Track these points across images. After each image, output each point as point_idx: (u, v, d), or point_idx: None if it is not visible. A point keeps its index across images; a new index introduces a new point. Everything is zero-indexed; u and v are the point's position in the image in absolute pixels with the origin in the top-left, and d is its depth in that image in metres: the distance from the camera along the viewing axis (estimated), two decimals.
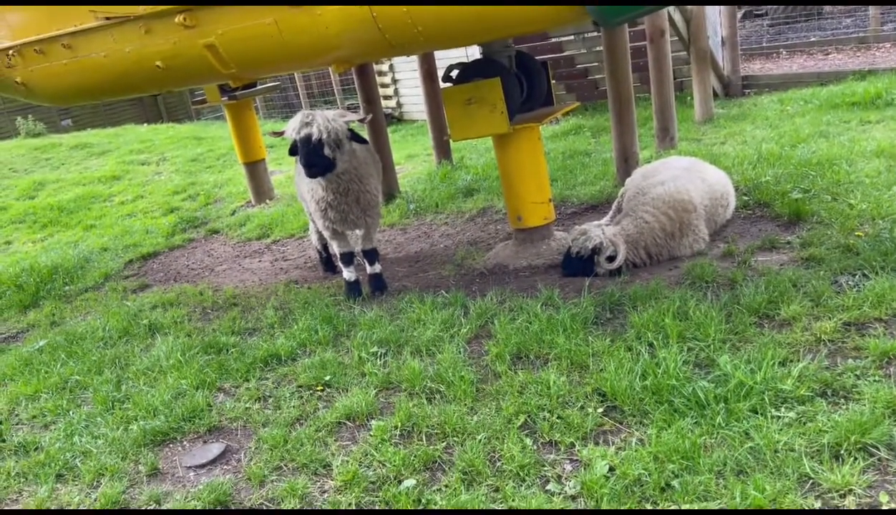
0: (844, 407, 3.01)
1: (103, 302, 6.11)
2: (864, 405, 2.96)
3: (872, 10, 11.84)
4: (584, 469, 2.95)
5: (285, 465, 3.29)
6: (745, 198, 5.63)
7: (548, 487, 2.90)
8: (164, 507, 3.14)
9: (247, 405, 3.87)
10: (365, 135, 7.52)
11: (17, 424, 4.15)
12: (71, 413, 4.08)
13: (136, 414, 3.88)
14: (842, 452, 2.75)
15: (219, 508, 3.09)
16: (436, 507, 2.87)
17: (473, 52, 9.32)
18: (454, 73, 5.17)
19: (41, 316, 6.04)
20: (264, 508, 3.06)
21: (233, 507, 3.09)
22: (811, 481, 2.67)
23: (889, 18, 11.80)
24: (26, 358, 4.98)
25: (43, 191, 10.88)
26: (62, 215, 9.66)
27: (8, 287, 6.80)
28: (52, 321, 5.90)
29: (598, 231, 4.78)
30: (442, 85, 5.47)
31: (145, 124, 16.71)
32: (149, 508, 3.16)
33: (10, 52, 5.65)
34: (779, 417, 3.01)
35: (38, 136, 15.45)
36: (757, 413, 3.05)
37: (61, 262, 7.37)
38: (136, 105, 21.28)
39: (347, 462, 3.21)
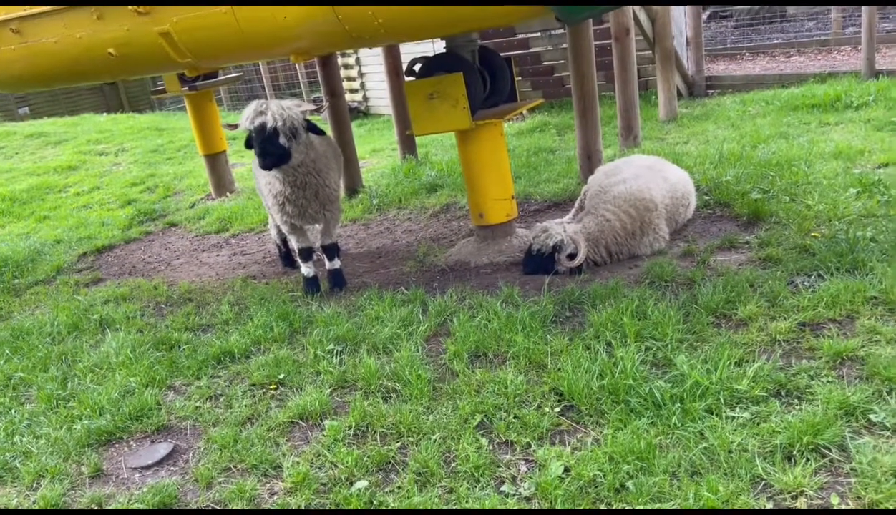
0: (798, 407, 3.02)
1: (53, 296, 5.92)
2: (817, 406, 2.97)
3: (834, 14, 12.04)
4: (540, 470, 2.92)
5: (234, 466, 3.20)
6: (706, 197, 5.66)
7: (502, 488, 2.86)
8: (105, 508, 3.02)
9: (197, 403, 3.76)
10: (328, 128, 7.41)
11: None
12: (13, 411, 3.92)
13: (81, 413, 3.75)
14: (794, 453, 2.75)
15: (163, 508, 2.99)
16: (387, 509, 2.81)
17: (440, 47, 9.25)
18: (417, 67, 5.10)
19: None
20: (210, 509, 2.97)
21: (178, 509, 2.98)
22: (763, 482, 2.67)
23: (850, 22, 12.02)
24: None
25: None
26: (14, 206, 9.35)
27: None
28: None
29: (560, 228, 4.76)
30: (405, 79, 5.40)
31: (105, 113, 16.31)
32: (91, 509, 3.05)
33: None
34: (733, 417, 3.01)
35: None
36: (712, 413, 3.05)
37: (11, 254, 7.13)
38: (96, 93, 20.77)
39: (298, 462, 3.13)
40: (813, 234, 4.61)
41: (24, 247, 7.42)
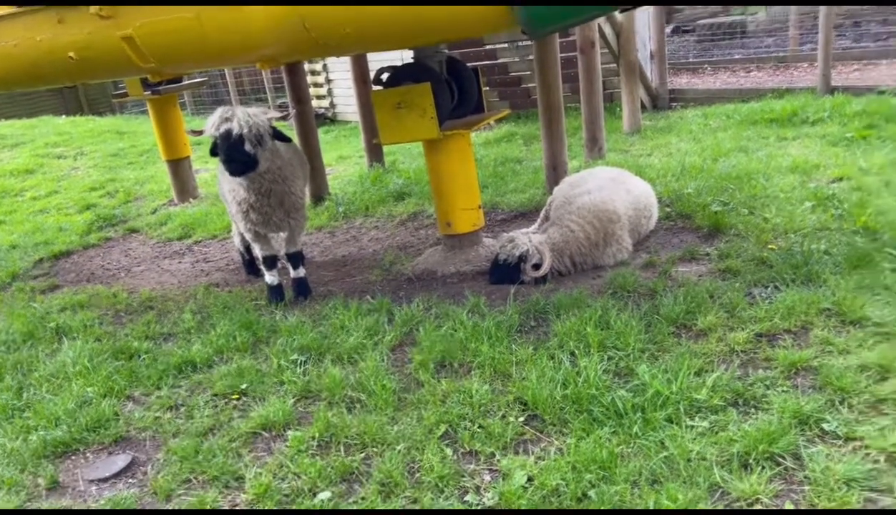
0: (754, 416, 3.09)
1: (8, 304, 5.76)
2: (773, 415, 3.04)
3: (792, 31, 12.36)
4: (503, 479, 2.93)
5: (195, 478, 3.15)
6: (668, 209, 5.76)
7: (466, 498, 2.87)
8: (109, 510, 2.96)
9: (157, 414, 3.70)
10: (294, 135, 7.37)
11: None
12: None
13: (37, 424, 3.66)
14: (750, 461, 2.81)
15: None
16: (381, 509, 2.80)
17: (409, 57, 9.26)
18: (384, 76, 5.11)
19: None
20: None
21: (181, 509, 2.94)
22: (721, 490, 2.72)
23: (807, 39, 12.35)
24: None
25: None
26: None
27: None
28: None
29: (525, 238, 4.80)
30: (373, 88, 5.40)
31: (63, 116, 15.97)
32: None
33: None
34: (693, 426, 3.06)
35: None
36: (672, 422, 3.10)
37: None
38: (55, 95, 20.31)
39: (261, 474, 3.10)
40: (770, 247, 4.72)
41: None
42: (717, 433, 3.00)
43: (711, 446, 2.92)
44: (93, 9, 4.44)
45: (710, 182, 6.17)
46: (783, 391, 3.21)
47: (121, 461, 3.34)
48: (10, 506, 3.02)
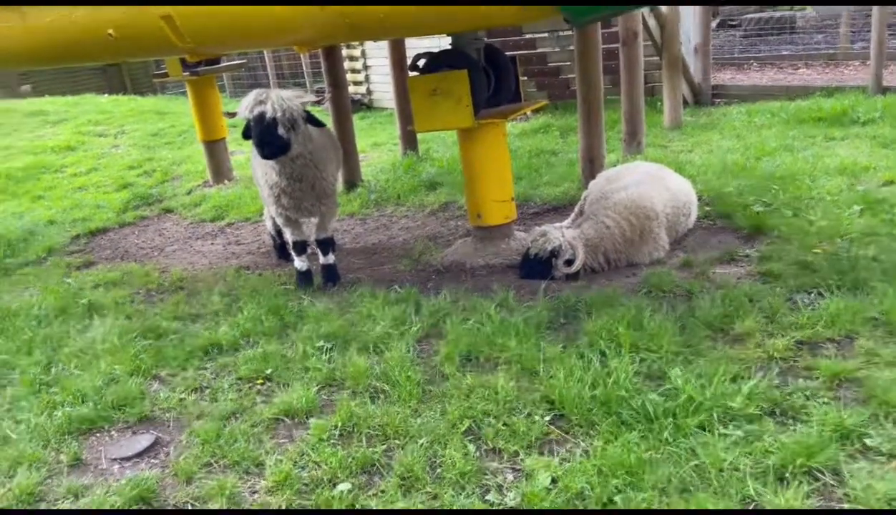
0: (792, 428, 2.96)
1: (43, 278, 5.84)
2: (812, 427, 2.91)
3: (843, 28, 11.97)
4: (527, 479, 2.86)
5: (216, 462, 3.13)
6: (707, 208, 5.60)
7: (488, 497, 2.80)
8: (81, 501, 2.95)
9: (182, 395, 3.69)
10: (329, 120, 7.34)
11: None
12: None
13: (64, 400, 3.68)
14: (787, 475, 2.69)
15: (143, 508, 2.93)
16: (373, 509, 2.75)
17: (446, 43, 9.17)
18: (421, 62, 5.03)
19: None
20: (189, 508, 2.90)
21: (155, 505, 2.92)
22: (754, 503, 2.61)
23: (859, 37, 11.95)
24: None
25: None
26: (10, 184, 9.26)
27: None
28: None
29: (558, 233, 4.69)
30: (410, 74, 5.33)
31: (106, 94, 16.19)
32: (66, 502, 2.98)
33: None
34: (726, 435, 2.95)
35: None
36: (704, 429, 2.99)
37: (4, 233, 7.07)
38: (98, 74, 20.63)
39: (281, 461, 3.07)
40: (814, 250, 4.54)
41: (17, 226, 7.35)
42: (751, 443, 2.88)
43: (745, 456, 2.81)
44: None
45: (753, 181, 5.98)
46: (824, 402, 3.08)
47: (144, 440, 3.34)
48: (31, 482, 3.03)
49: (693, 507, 2.57)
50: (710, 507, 2.56)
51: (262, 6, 4.18)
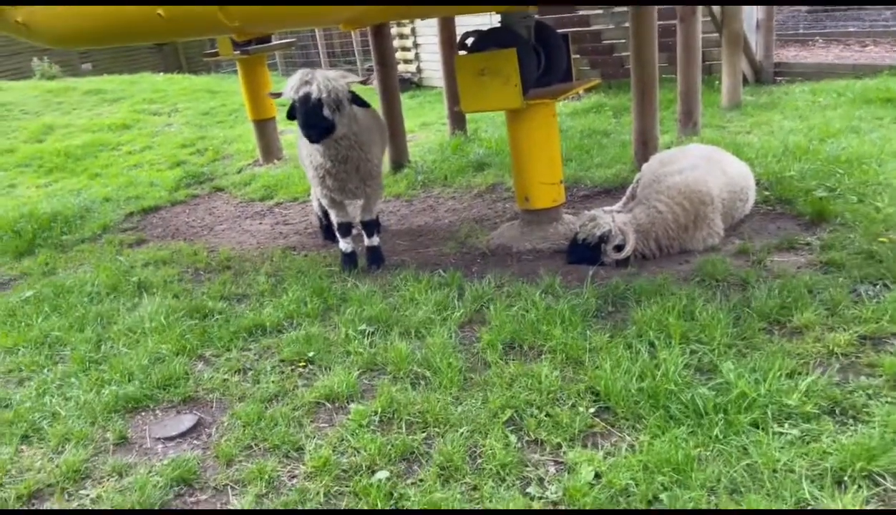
0: (852, 428, 2.80)
1: (97, 255, 5.97)
2: (874, 428, 2.75)
3: None
4: (569, 473, 2.78)
5: (257, 445, 3.14)
6: (766, 192, 5.36)
7: (528, 490, 2.74)
8: (125, 479, 2.99)
9: (225, 376, 3.71)
10: (376, 99, 7.28)
11: None
12: (46, 370, 3.95)
13: (112, 378, 3.74)
14: (845, 478, 2.55)
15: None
16: (408, 503, 2.71)
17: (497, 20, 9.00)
18: (469, 41, 4.92)
19: (35, 264, 5.92)
20: (229, 488, 2.91)
21: (196, 486, 2.94)
22: (809, 507, 2.48)
23: None
24: (11, 308, 4.86)
25: (51, 136, 10.73)
26: (69, 161, 9.52)
27: (6, 232, 6.68)
28: (45, 270, 5.78)
29: (608, 218, 4.55)
30: (458, 53, 5.22)
31: (161, 73, 16.49)
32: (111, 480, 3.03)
33: None
34: (781, 434, 2.81)
35: (52, 79, 15.27)
36: (758, 427, 2.85)
37: (62, 210, 7.26)
38: (155, 53, 21.04)
39: (321, 446, 3.05)
40: (881, 239, 4.30)
41: (74, 203, 7.54)
42: (808, 443, 2.74)
43: (801, 457, 2.67)
44: None
45: (816, 165, 5.71)
46: (888, 402, 2.91)
47: (187, 421, 3.37)
48: (77, 459, 3.09)
49: (744, 508, 2.45)
50: (763, 508, 2.44)
51: None
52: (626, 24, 8.98)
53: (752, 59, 9.84)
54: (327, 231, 5.78)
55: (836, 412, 2.92)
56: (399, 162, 7.63)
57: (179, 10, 4.76)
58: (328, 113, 4.21)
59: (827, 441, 2.73)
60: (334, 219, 5.00)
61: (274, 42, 8.87)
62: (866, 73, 9.23)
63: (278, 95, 4.41)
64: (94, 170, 9.08)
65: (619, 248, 4.50)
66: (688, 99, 7.22)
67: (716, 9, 8.45)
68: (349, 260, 4.99)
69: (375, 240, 5.02)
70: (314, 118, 4.20)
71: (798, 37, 12.26)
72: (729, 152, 5.31)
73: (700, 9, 7.07)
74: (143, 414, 3.50)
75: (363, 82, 4.53)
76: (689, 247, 4.64)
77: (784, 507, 2.46)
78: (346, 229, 4.96)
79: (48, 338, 4.32)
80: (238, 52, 8.18)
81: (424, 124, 10.04)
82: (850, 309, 3.59)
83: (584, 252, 4.56)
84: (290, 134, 9.80)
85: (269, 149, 8.77)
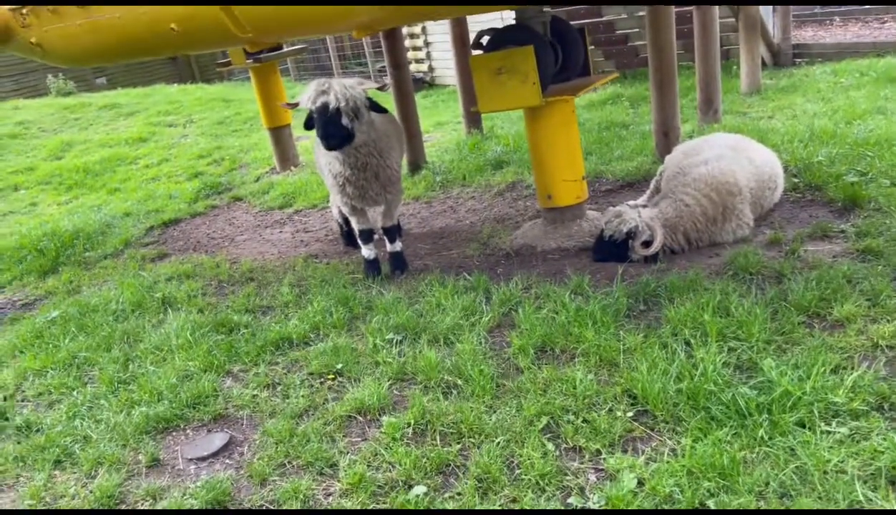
0: None
1: (120, 271, 5.97)
2: None
3: None
4: (610, 481, 2.70)
5: (290, 463, 3.09)
6: (795, 179, 5.23)
7: (569, 500, 2.66)
8: (160, 504, 2.96)
9: (254, 392, 3.67)
10: (391, 102, 7.23)
11: (22, 401, 4.02)
12: (76, 392, 3.93)
13: (141, 398, 3.72)
14: None
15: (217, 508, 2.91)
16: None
17: (509, 18, 8.91)
18: (485, 40, 4.84)
19: (59, 283, 5.93)
20: (265, 509, 2.87)
21: (231, 507, 2.90)
22: (863, 509, 2.39)
23: None
24: (38, 330, 4.86)
25: (70, 152, 10.80)
26: (88, 177, 9.57)
27: (29, 251, 6.71)
28: (69, 289, 5.79)
29: (634, 213, 4.46)
30: (472, 52, 5.15)
31: (176, 84, 16.56)
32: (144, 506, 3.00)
33: (25, 10, 5.45)
34: (829, 433, 2.72)
35: (68, 95, 15.38)
36: (804, 427, 2.76)
37: (83, 227, 7.28)
38: (168, 64, 21.13)
39: (355, 462, 3.00)
40: None
41: (95, 219, 7.57)
42: (858, 442, 2.65)
43: (852, 457, 2.58)
44: None
45: (844, 148, 5.57)
46: None
47: (219, 440, 3.33)
48: (111, 484, 3.06)
49: (794, 508, 2.37)
50: (814, 509, 2.35)
51: None
52: (641, 13, 8.86)
53: (769, 41, 9.66)
54: (348, 237, 5.73)
55: (886, 408, 2.82)
56: (416, 163, 7.57)
57: (192, 22, 4.73)
58: (346, 121, 4.16)
59: (878, 440, 2.63)
60: (355, 225, 4.95)
61: (286, 49, 8.84)
62: (888, 50, 9.03)
63: (294, 106, 4.36)
64: (113, 185, 9.11)
65: (647, 244, 4.40)
66: (707, 86, 7.08)
67: None
68: (372, 266, 4.94)
69: (398, 246, 4.97)
70: (333, 127, 4.15)
71: (815, 17, 12.04)
72: (753, 139, 5.19)
73: None
74: (173, 434, 3.47)
75: (380, 89, 4.47)
76: (719, 240, 4.53)
77: (837, 509, 2.37)
78: (367, 236, 4.91)
79: (76, 359, 4.31)
80: (251, 60, 8.16)
81: (439, 124, 9.98)
82: (893, 299, 3.47)
83: (611, 249, 4.47)
84: (306, 140, 9.79)
85: (286, 156, 8.75)
